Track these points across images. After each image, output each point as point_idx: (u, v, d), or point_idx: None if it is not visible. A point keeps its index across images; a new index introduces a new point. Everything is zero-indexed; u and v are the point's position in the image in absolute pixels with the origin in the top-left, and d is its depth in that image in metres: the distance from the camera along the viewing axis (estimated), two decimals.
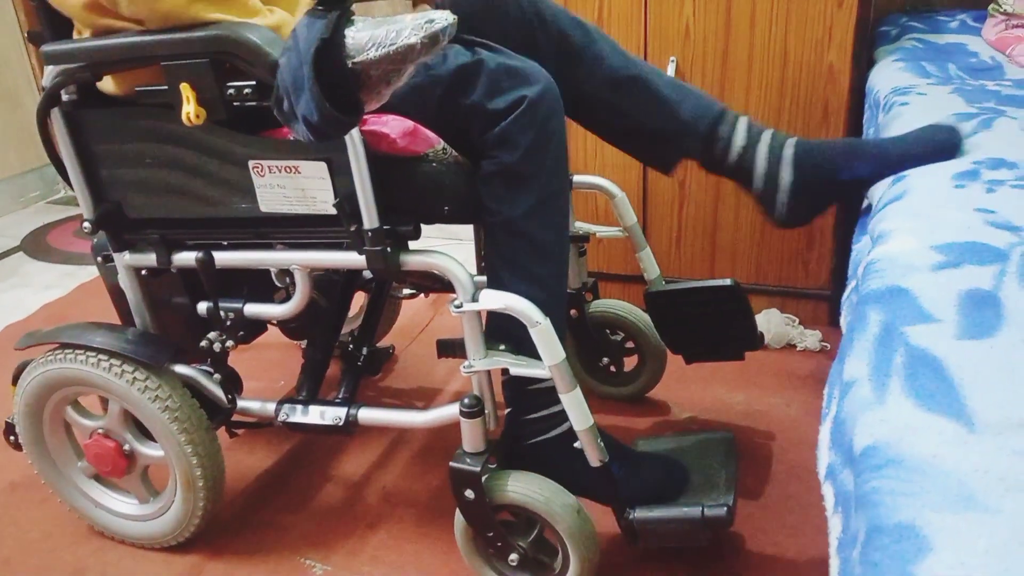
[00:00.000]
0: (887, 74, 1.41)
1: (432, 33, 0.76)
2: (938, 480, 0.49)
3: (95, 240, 1.16)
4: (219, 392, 1.15)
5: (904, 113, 1.16)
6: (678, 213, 1.68)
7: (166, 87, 0.93)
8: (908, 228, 0.80)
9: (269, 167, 0.99)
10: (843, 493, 0.61)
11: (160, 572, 1.19)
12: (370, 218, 0.96)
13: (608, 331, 1.44)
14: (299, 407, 1.16)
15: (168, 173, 1.04)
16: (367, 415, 1.12)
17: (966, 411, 0.54)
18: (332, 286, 1.31)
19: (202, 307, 1.14)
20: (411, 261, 0.99)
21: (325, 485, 1.35)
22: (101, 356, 1.10)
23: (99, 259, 1.18)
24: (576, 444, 0.98)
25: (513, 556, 1.02)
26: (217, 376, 1.15)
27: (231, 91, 0.92)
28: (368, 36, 0.77)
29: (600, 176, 1.31)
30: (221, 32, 0.90)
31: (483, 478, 0.99)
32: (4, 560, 1.23)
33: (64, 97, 1.04)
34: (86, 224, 1.09)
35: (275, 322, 1.28)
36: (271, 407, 1.17)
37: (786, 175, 1.02)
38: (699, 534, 1.01)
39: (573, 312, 1.37)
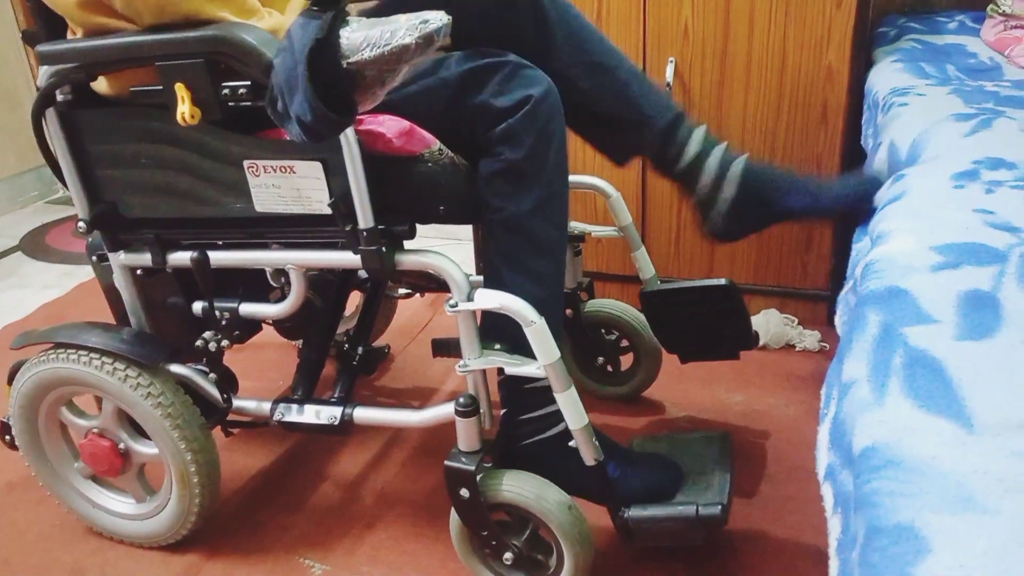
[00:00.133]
0: (886, 75, 1.41)
1: (427, 33, 0.76)
2: (937, 481, 0.49)
3: (90, 240, 1.16)
4: (214, 391, 1.15)
5: (903, 114, 1.15)
6: (677, 213, 1.68)
7: (161, 87, 0.93)
8: (907, 228, 0.79)
9: (264, 167, 0.98)
10: (842, 494, 0.61)
11: (158, 572, 1.18)
12: (365, 218, 0.96)
13: (603, 330, 1.44)
14: (295, 406, 1.16)
15: (163, 173, 1.04)
16: (362, 414, 1.12)
17: (965, 412, 0.54)
18: (327, 286, 1.31)
19: (197, 307, 1.14)
20: (406, 261, 0.99)
21: (322, 484, 1.34)
22: (94, 355, 1.09)
23: (94, 259, 1.17)
24: (571, 443, 0.98)
25: (508, 555, 1.02)
26: (212, 375, 1.15)
27: (226, 91, 0.92)
28: (363, 36, 0.77)
29: (597, 176, 1.31)
30: (216, 32, 0.89)
31: (478, 477, 0.98)
32: (2, 561, 1.23)
33: (59, 97, 1.04)
34: (81, 224, 1.09)
35: (270, 322, 1.27)
36: (267, 406, 1.16)
37: (729, 191, 1.06)
38: (694, 533, 1.00)
39: (568, 312, 1.37)
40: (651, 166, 1.15)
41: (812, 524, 1.17)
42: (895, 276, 0.71)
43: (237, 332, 1.15)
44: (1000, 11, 1.54)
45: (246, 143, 0.98)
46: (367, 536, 1.22)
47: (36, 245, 2.54)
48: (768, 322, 1.64)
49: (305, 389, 1.22)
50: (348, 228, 0.97)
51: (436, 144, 0.98)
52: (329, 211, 0.97)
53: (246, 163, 0.99)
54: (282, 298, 1.11)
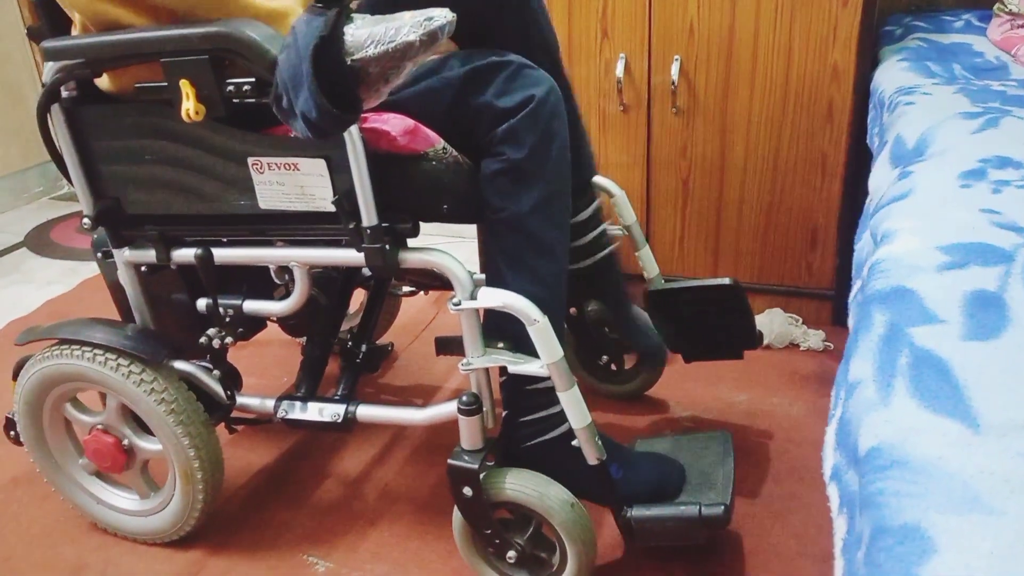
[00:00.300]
0: (892, 74, 1.40)
1: (431, 31, 0.76)
2: (943, 481, 0.49)
3: (95, 236, 1.16)
4: (218, 388, 1.15)
5: (909, 112, 1.15)
6: (681, 212, 1.68)
7: (165, 84, 0.93)
8: (913, 228, 0.79)
9: (268, 164, 0.98)
10: (848, 494, 0.61)
11: (162, 569, 1.18)
12: (369, 215, 0.96)
13: (607, 329, 1.44)
14: (298, 404, 1.16)
15: (167, 170, 1.04)
16: (366, 412, 1.12)
17: (971, 412, 0.54)
18: (331, 283, 1.31)
19: (201, 303, 1.14)
20: (410, 259, 0.99)
21: (326, 482, 1.34)
22: (99, 352, 1.09)
23: (99, 255, 1.18)
24: (574, 443, 0.98)
25: (511, 553, 1.02)
26: (216, 372, 1.15)
27: (230, 88, 0.92)
28: (367, 33, 0.77)
29: (601, 175, 1.30)
30: (221, 29, 0.89)
31: (481, 475, 0.98)
32: (6, 557, 1.23)
33: (64, 93, 1.04)
34: (86, 220, 1.09)
35: (274, 319, 1.27)
36: (270, 403, 1.16)
37: (587, 262, 1.27)
38: (696, 533, 1.00)
39: (572, 310, 1.37)
40: None
41: (816, 524, 1.17)
42: (901, 276, 0.71)
43: (241, 329, 1.15)
44: (1007, 10, 1.54)
45: (250, 140, 0.98)
46: (370, 533, 1.22)
47: (40, 241, 2.55)
48: (772, 321, 1.63)
49: (309, 386, 1.22)
50: (352, 226, 0.97)
51: (440, 143, 0.98)
52: (333, 208, 0.97)
53: (250, 160, 0.99)
54: (286, 295, 1.11)
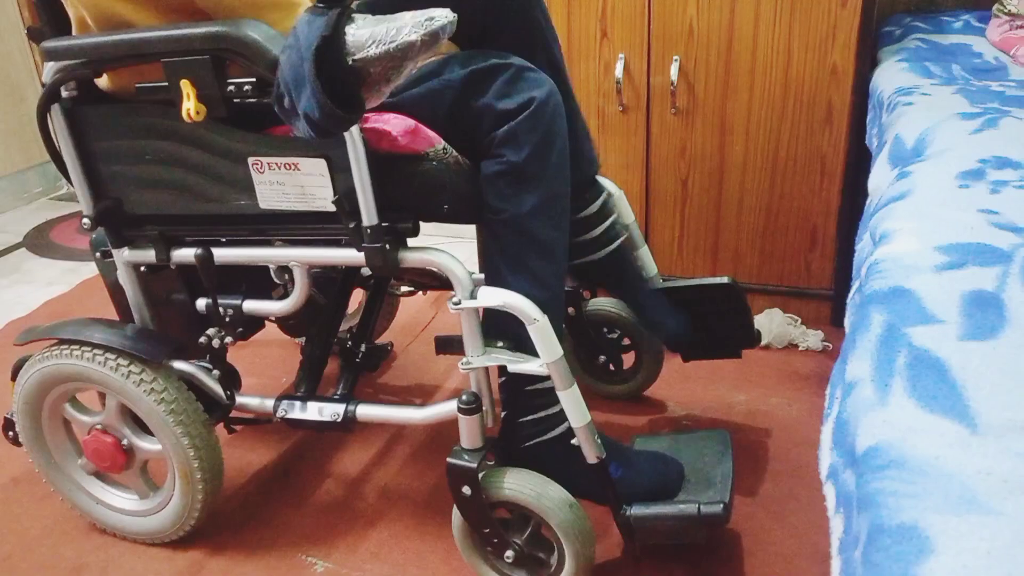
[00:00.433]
0: (891, 74, 1.40)
1: (432, 31, 0.76)
2: (940, 482, 0.49)
3: (94, 236, 1.16)
4: (217, 388, 1.15)
5: (908, 113, 1.15)
6: (680, 212, 1.68)
7: (166, 84, 0.93)
8: (911, 228, 0.79)
9: (268, 164, 0.98)
10: (845, 494, 0.61)
11: (161, 568, 1.18)
12: (369, 215, 0.96)
13: (605, 329, 1.44)
14: (297, 403, 1.16)
15: (167, 170, 1.04)
16: (365, 411, 1.12)
17: (969, 413, 0.54)
18: (330, 283, 1.31)
19: (201, 303, 1.14)
20: (409, 258, 0.99)
21: (325, 482, 1.35)
22: (98, 352, 1.10)
23: (98, 255, 1.18)
24: (573, 441, 0.98)
25: (509, 553, 1.02)
26: (216, 372, 1.15)
27: (231, 88, 0.92)
28: (368, 33, 0.77)
29: (601, 175, 1.30)
30: (221, 29, 0.89)
31: (480, 475, 0.99)
32: (5, 556, 1.23)
33: (64, 93, 1.04)
34: (85, 220, 1.09)
35: (274, 319, 1.28)
36: (270, 403, 1.16)
37: (600, 254, 1.27)
38: (696, 532, 1.01)
39: (571, 310, 1.37)
40: None
41: (814, 523, 1.17)
42: (899, 276, 0.71)
43: (240, 329, 1.15)
44: (1006, 11, 1.54)
45: (251, 140, 0.98)
46: (369, 533, 1.22)
47: (40, 241, 2.55)
48: (771, 321, 1.64)
49: (308, 386, 1.22)
50: (352, 225, 0.97)
51: (440, 143, 0.98)
52: (333, 208, 0.97)
53: (251, 160, 0.99)
54: (285, 295, 1.11)
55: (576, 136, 1.17)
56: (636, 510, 1.01)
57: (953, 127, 1.04)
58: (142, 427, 1.16)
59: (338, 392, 1.21)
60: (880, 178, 1.07)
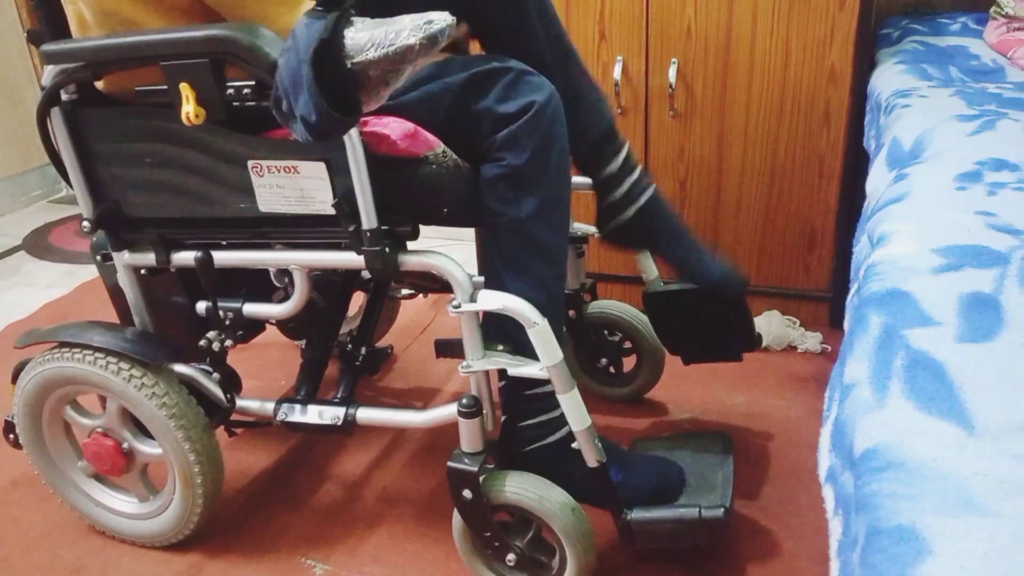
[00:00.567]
0: (888, 76, 1.41)
1: (431, 34, 0.76)
2: (938, 483, 0.49)
3: (94, 239, 1.16)
4: (218, 391, 1.15)
5: (905, 115, 1.16)
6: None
7: (166, 87, 0.93)
8: (909, 231, 0.80)
9: (268, 167, 0.98)
10: (843, 495, 0.61)
11: (160, 571, 1.18)
12: (368, 218, 0.96)
13: (606, 332, 1.44)
14: (298, 406, 1.16)
15: (167, 173, 1.04)
16: (365, 415, 1.12)
17: (966, 414, 0.54)
18: (330, 286, 1.31)
19: (201, 306, 1.14)
20: (409, 261, 0.99)
21: (324, 485, 1.35)
22: (99, 355, 1.10)
23: (98, 258, 1.18)
24: (574, 445, 0.98)
25: (511, 556, 1.02)
26: (216, 375, 1.16)
27: (230, 91, 0.92)
28: (367, 37, 0.77)
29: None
30: (221, 32, 0.89)
31: (481, 478, 0.99)
32: (4, 558, 1.23)
33: (64, 96, 1.04)
34: (85, 223, 1.09)
35: (274, 322, 1.28)
36: (270, 406, 1.17)
37: (628, 212, 1.21)
38: (696, 535, 1.01)
39: (571, 313, 1.38)
40: (573, 162, 1.20)
41: (813, 525, 1.17)
42: (896, 278, 0.72)
43: (240, 332, 1.15)
44: (1003, 13, 1.54)
45: (250, 143, 0.99)
46: (369, 536, 1.22)
47: (39, 244, 2.55)
48: (770, 324, 1.64)
49: (308, 389, 1.22)
50: (352, 228, 0.97)
51: (440, 146, 0.99)
52: (333, 211, 0.97)
53: (250, 163, 0.99)
54: (285, 298, 1.11)
55: (581, 92, 1.17)
56: (637, 514, 1.01)
57: (951, 129, 1.04)
58: (142, 430, 1.16)
59: (338, 395, 1.21)
60: (878, 180, 1.07)
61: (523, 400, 1.02)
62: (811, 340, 1.62)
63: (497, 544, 1.02)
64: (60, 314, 2.01)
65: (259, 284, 1.20)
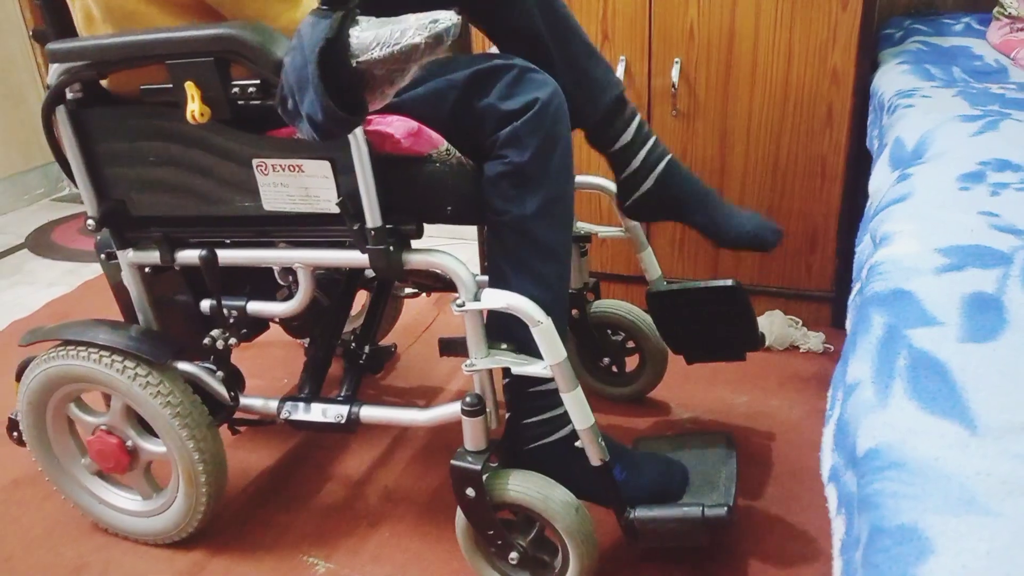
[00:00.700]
0: (891, 77, 1.41)
1: (436, 33, 0.76)
2: (940, 483, 0.49)
3: (99, 237, 1.17)
4: (221, 389, 1.15)
5: (908, 115, 1.16)
6: None
7: (171, 85, 0.93)
8: (912, 231, 0.80)
9: (273, 166, 0.99)
10: (846, 495, 0.61)
11: (163, 569, 1.19)
12: (373, 217, 0.96)
13: (609, 331, 1.44)
14: (301, 405, 1.16)
15: (172, 171, 1.04)
16: (369, 413, 1.13)
17: (969, 414, 0.54)
18: (334, 285, 1.32)
19: (205, 305, 1.15)
20: (413, 260, 1.00)
21: (327, 483, 1.35)
22: (103, 353, 1.10)
23: (103, 256, 1.18)
24: (577, 444, 0.98)
25: (513, 555, 1.02)
26: (220, 373, 1.16)
27: (235, 90, 0.92)
28: (372, 36, 0.77)
29: (602, 177, 1.31)
30: (226, 31, 0.90)
31: (484, 477, 0.99)
32: (7, 556, 1.23)
33: (68, 95, 1.04)
34: (90, 222, 1.10)
35: (277, 320, 1.28)
36: (273, 404, 1.17)
37: (648, 183, 1.18)
38: (699, 534, 1.01)
39: (574, 312, 1.38)
40: (585, 137, 1.20)
41: (816, 525, 1.17)
42: (899, 278, 0.72)
43: (244, 330, 1.16)
44: (1006, 13, 1.54)
45: (255, 142, 0.99)
46: (371, 535, 1.23)
47: (42, 242, 2.55)
48: (772, 323, 1.64)
49: (312, 387, 1.22)
50: (356, 227, 0.97)
51: (444, 145, 0.99)
52: (337, 210, 0.97)
53: (255, 162, 0.99)
54: (289, 297, 1.12)
55: (584, 64, 1.15)
56: (640, 512, 1.01)
57: (953, 129, 1.04)
58: (146, 428, 1.17)
59: (342, 394, 1.22)
60: (880, 180, 1.07)
61: (527, 398, 1.02)
62: (813, 340, 1.63)
63: (500, 543, 1.02)
64: (63, 312, 2.02)
65: (263, 283, 1.20)
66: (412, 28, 0.76)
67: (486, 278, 1.04)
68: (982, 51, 1.54)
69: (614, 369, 1.47)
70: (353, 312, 1.46)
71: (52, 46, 1.00)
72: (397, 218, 0.98)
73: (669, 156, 1.18)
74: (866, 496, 0.52)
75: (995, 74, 1.42)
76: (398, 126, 0.96)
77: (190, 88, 0.92)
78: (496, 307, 0.95)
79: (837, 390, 0.72)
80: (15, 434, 1.24)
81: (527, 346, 0.97)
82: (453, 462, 1.00)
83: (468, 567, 1.09)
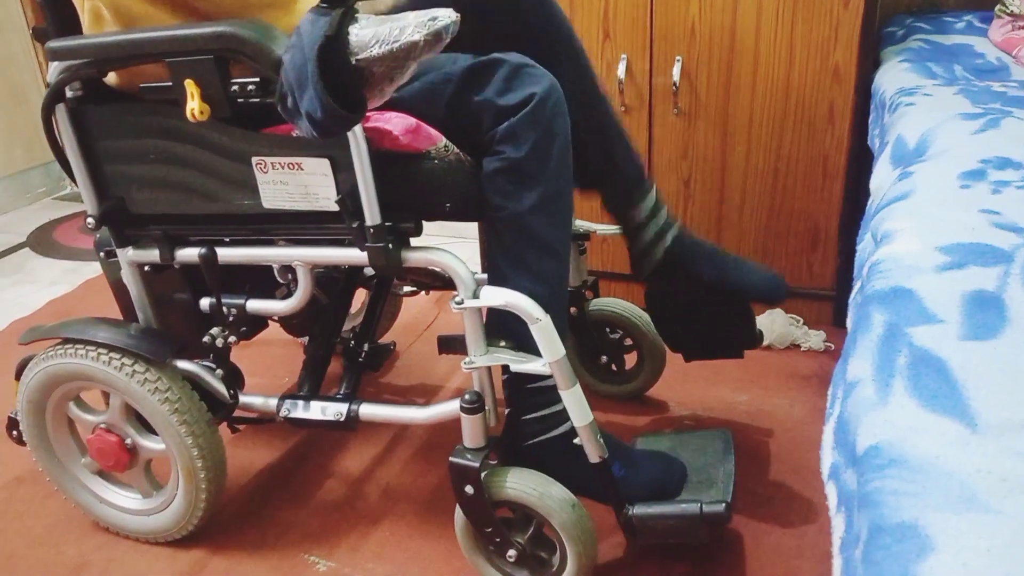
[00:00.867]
0: (893, 75, 1.40)
1: (435, 30, 0.76)
2: (940, 480, 0.49)
3: (98, 236, 1.17)
4: (221, 387, 1.15)
5: (910, 113, 1.15)
6: (682, 212, 1.68)
7: (171, 83, 0.93)
8: (912, 229, 0.80)
9: (272, 163, 0.99)
10: (846, 493, 0.61)
11: (164, 568, 1.19)
12: (372, 215, 0.96)
13: (608, 329, 1.44)
14: (300, 403, 1.16)
15: (171, 169, 1.04)
16: (368, 411, 1.13)
17: (969, 412, 0.54)
18: (333, 283, 1.32)
19: (204, 303, 1.15)
20: (412, 258, 1.00)
21: (327, 481, 1.35)
22: (102, 351, 1.10)
23: (102, 255, 1.18)
24: (576, 441, 0.98)
25: (512, 552, 1.02)
26: (219, 371, 1.16)
27: (235, 88, 0.92)
28: (371, 33, 0.77)
29: None
30: (225, 29, 0.90)
31: (483, 474, 0.99)
32: (8, 555, 1.23)
33: (68, 93, 1.04)
34: (90, 220, 1.10)
35: (277, 318, 1.28)
36: (273, 403, 1.17)
37: (659, 252, 1.24)
38: (698, 531, 1.01)
39: (573, 310, 1.38)
40: (603, 205, 1.26)
41: (815, 523, 1.17)
42: (900, 276, 0.72)
43: (244, 328, 1.16)
44: (1008, 11, 1.54)
45: (254, 140, 0.99)
46: (372, 532, 1.23)
47: (43, 241, 2.55)
48: (773, 322, 1.64)
49: (311, 385, 1.22)
50: (355, 225, 0.97)
51: (442, 141, 0.99)
52: (336, 208, 0.97)
53: (254, 160, 0.99)
54: (288, 295, 1.12)
55: (615, 134, 1.20)
56: (638, 509, 1.01)
57: (955, 127, 1.04)
58: (146, 426, 1.17)
59: (341, 392, 1.22)
60: (882, 178, 1.07)
61: (526, 394, 1.02)
62: (815, 338, 1.62)
63: (499, 540, 1.02)
64: (64, 311, 2.02)
65: (262, 281, 1.20)
66: (411, 25, 0.76)
67: (486, 276, 1.04)
68: (984, 49, 1.53)
69: (613, 367, 1.47)
70: (353, 310, 1.46)
71: (52, 44, 1.00)
72: (396, 216, 0.98)
73: (678, 223, 1.25)
74: (866, 494, 0.52)
75: (997, 72, 1.42)
76: (396, 123, 0.96)
77: (190, 86, 0.91)
78: (495, 305, 0.95)
79: (837, 388, 0.71)
80: (15, 433, 1.24)
81: (526, 343, 0.97)
82: (452, 459, 1.00)
83: (468, 565, 1.09)
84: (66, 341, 1.13)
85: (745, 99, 1.55)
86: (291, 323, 1.40)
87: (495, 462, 1.03)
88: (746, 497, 1.23)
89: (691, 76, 1.57)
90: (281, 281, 1.20)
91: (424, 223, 1.01)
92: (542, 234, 0.98)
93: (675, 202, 1.68)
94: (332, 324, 1.30)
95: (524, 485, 0.99)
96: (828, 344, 1.62)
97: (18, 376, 1.19)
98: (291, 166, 0.98)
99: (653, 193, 1.24)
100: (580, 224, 1.33)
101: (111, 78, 1.03)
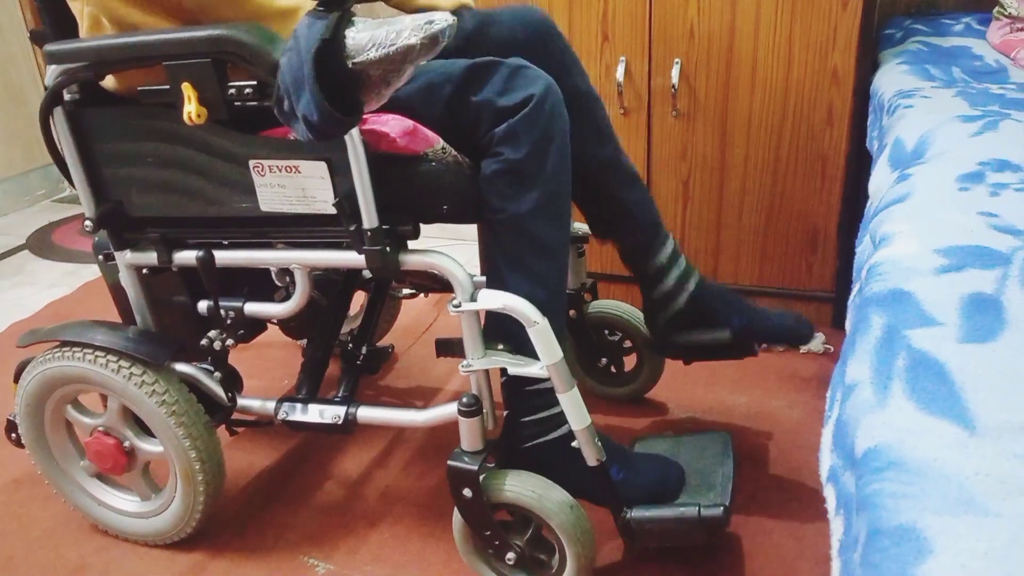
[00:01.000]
0: (891, 77, 1.40)
1: (432, 34, 0.76)
2: (939, 483, 0.49)
3: (96, 238, 1.17)
4: (219, 390, 1.15)
5: (908, 115, 1.15)
6: (682, 213, 1.68)
7: (168, 87, 0.93)
8: (911, 231, 0.80)
9: (269, 167, 0.99)
10: (845, 495, 0.61)
11: (163, 570, 1.19)
12: (369, 217, 0.96)
13: (607, 331, 1.44)
14: (299, 406, 1.16)
15: (169, 172, 1.04)
16: (366, 414, 1.12)
17: (967, 414, 0.54)
18: (331, 285, 1.31)
19: (202, 306, 1.15)
20: (410, 261, 1.00)
21: (326, 484, 1.35)
22: (100, 354, 1.10)
23: (100, 257, 1.18)
24: (574, 444, 0.98)
25: (510, 555, 1.02)
26: (217, 374, 1.16)
27: (232, 91, 0.92)
28: (368, 37, 0.77)
29: None
30: (222, 32, 0.90)
31: (481, 477, 0.99)
32: (7, 557, 1.23)
33: (66, 96, 1.04)
34: (88, 222, 1.09)
35: (275, 321, 1.28)
36: (271, 405, 1.17)
37: (680, 302, 1.24)
38: (696, 534, 1.01)
39: (572, 312, 1.37)
40: (620, 256, 1.27)
41: (814, 525, 1.17)
42: (899, 278, 0.72)
43: (242, 331, 1.16)
44: (1006, 13, 1.54)
45: (252, 143, 0.99)
46: (370, 535, 1.23)
47: (42, 244, 2.55)
48: None
49: (309, 388, 1.22)
50: (352, 228, 0.97)
51: (439, 143, 0.99)
52: (334, 211, 0.97)
53: (252, 163, 0.99)
54: (287, 298, 1.12)
55: (633, 183, 1.22)
56: (637, 512, 1.01)
57: (953, 130, 1.04)
58: (144, 429, 1.16)
59: (339, 394, 1.21)
60: (880, 180, 1.07)
61: (524, 396, 1.02)
62: (814, 341, 1.62)
63: (497, 543, 1.02)
64: (63, 313, 2.02)
65: (261, 283, 1.20)
66: (408, 29, 0.76)
67: (484, 279, 1.04)
68: (982, 51, 1.53)
69: (612, 369, 1.47)
70: (351, 313, 1.46)
71: (50, 47, 1.00)
72: (394, 218, 0.98)
73: (698, 273, 1.25)
74: (865, 496, 0.52)
75: (995, 74, 1.42)
76: (394, 125, 0.96)
77: (187, 89, 0.92)
78: (492, 308, 0.95)
79: (836, 390, 0.71)
80: (13, 436, 1.23)
81: (524, 346, 0.97)
82: (450, 462, 1.00)
83: (467, 567, 1.09)
84: (64, 344, 1.13)
85: (744, 101, 1.55)
86: (289, 325, 1.40)
87: (493, 465, 1.03)
88: (745, 499, 1.23)
89: (690, 78, 1.57)
90: (279, 284, 1.19)
91: (423, 225, 1.01)
92: (541, 236, 0.98)
93: (674, 204, 1.68)
94: (330, 327, 1.30)
95: (522, 487, 0.99)
96: (827, 346, 1.62)
97: (17, 378, 1.19)
98: (288, 169, 0.98)
99: (671, 240, 1.25)
100: (579, 226, 1.33)
101: (109, 81, 1.03)
